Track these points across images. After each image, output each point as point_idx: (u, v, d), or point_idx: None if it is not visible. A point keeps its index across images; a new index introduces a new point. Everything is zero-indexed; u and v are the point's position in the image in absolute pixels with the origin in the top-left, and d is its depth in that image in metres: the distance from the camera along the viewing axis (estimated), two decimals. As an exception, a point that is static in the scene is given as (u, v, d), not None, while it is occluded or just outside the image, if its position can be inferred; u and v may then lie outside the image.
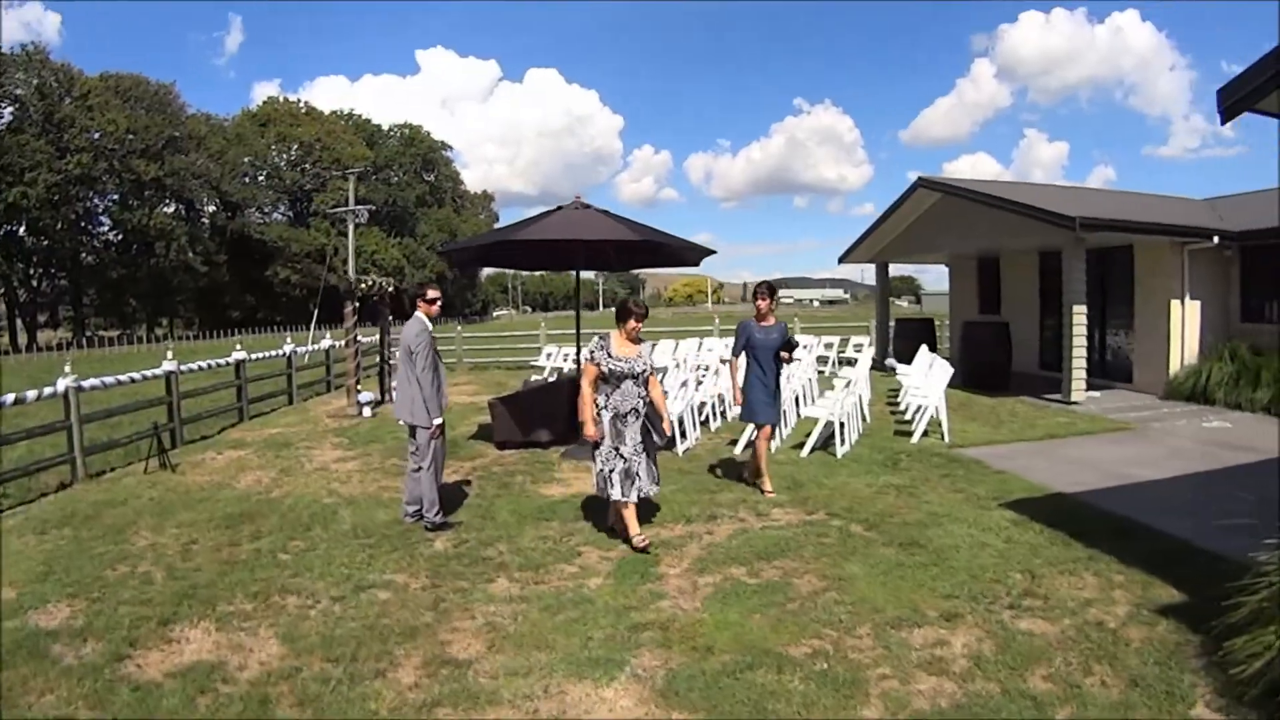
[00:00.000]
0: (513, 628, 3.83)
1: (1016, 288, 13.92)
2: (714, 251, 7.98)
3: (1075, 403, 9.92)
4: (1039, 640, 3.56)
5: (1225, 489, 6.05)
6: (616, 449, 4.96)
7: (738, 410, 6.46)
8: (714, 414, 9.04)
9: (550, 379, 13.00)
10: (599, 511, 5.52)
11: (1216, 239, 9.67)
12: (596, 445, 5.01)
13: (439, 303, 5.57)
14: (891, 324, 16.41)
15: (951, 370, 8.34)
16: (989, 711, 3.01)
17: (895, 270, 16.79)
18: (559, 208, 7.65)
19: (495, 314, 73.75)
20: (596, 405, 4.99)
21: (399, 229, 60.04)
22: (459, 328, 21.00)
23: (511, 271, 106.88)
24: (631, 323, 4.97)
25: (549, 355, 14.96)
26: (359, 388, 10.99)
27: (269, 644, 3.69)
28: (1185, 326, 10.08)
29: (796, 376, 9.11)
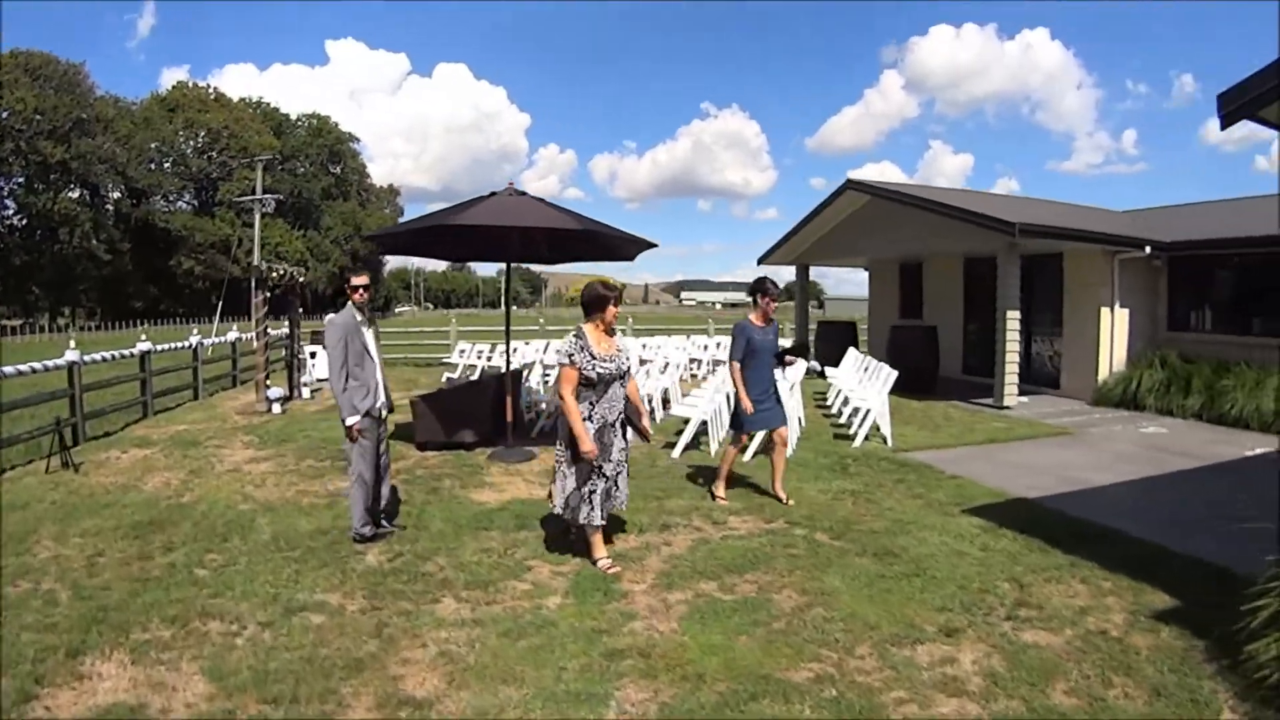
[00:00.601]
0: (472, 658, 3.32)
1: (940, 292, 14.26)
2: (654, 244, 7.61)
3: (1007, 407, 10.12)
4: (1047, 653, 3.35)
5: (1175, 493, 6.17)
6: (599, 467, 4.30)
7: (676, 412, 5.99)
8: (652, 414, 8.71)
9: (469, 377, 12.61)
10: (540, 519, 5.15)
11: (1148, 249, 10.11)
12: (576, 461, 4.29)
13: (365, 290, 4.91)
14: (812, 327, 16.61)
15: (895, 374, 8.26)
16: (1020, 733, 2.73)
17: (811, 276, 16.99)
18: (493, 194, 7.12)
19: (397, 310, 73.09)
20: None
21: (303, 221, 59.19)
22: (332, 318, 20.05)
23: (414, 267, 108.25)
24: (611, 310, 4.37)
25: (462, 352, 14.58)
26: (268, 383, 10.33)
27: (194, 681, 3.17)
28: (1114, 334, 10.48)
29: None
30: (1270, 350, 9.10)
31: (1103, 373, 10.51)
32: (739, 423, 5.81)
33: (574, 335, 4.36)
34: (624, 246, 7.72)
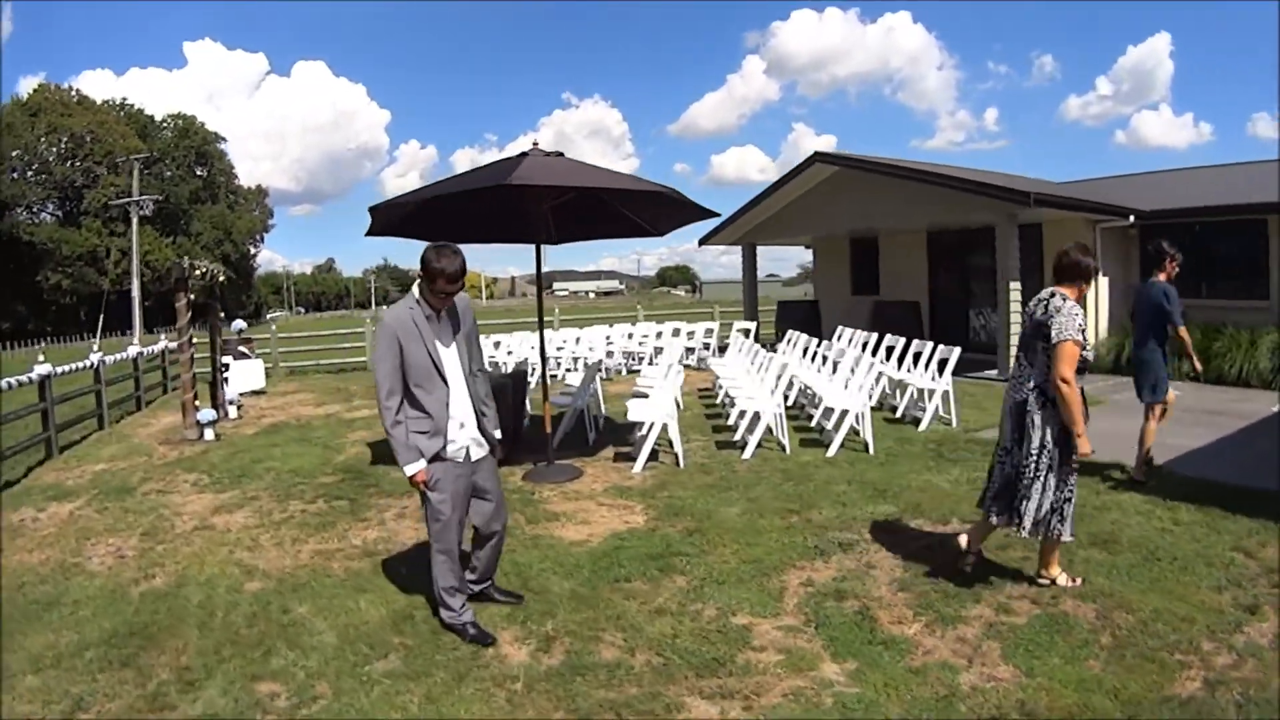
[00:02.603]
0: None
1: (899, 267, 14.60)
2: (717, 214, 6.96)
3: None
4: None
5: (1267, 447, 6.56)
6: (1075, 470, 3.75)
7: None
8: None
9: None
10: (670, 554, 4.50)
11: (1131, 218, 10.70)
12: (1063, 464, 3.60)
13: (451, 282, 3.38)
14: (771, 307, 16.68)
15: (958, 351, 8.15)
16: None
17: (670, 260, 17.26)
18: (524, 154, 6.10)
19: (269, 316, 70.58)
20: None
21: (172, 227, 56.91)
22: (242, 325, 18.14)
23: (284, 270, 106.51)
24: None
25: None
26: (196, 403, 8.74)
27: None
28: (1099, 302, 11.06)
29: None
30: (1241, 312, 9.96)
31: (1090, 341, 11.04)
32: (1164, 387, 5.61)
33: (1070, 302, 3.61)
34: (673, 216, 7.01)
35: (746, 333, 14.64)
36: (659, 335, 14.39)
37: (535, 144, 6.15)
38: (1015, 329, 10.51)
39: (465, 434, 3.50)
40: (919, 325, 12.48)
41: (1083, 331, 3.56)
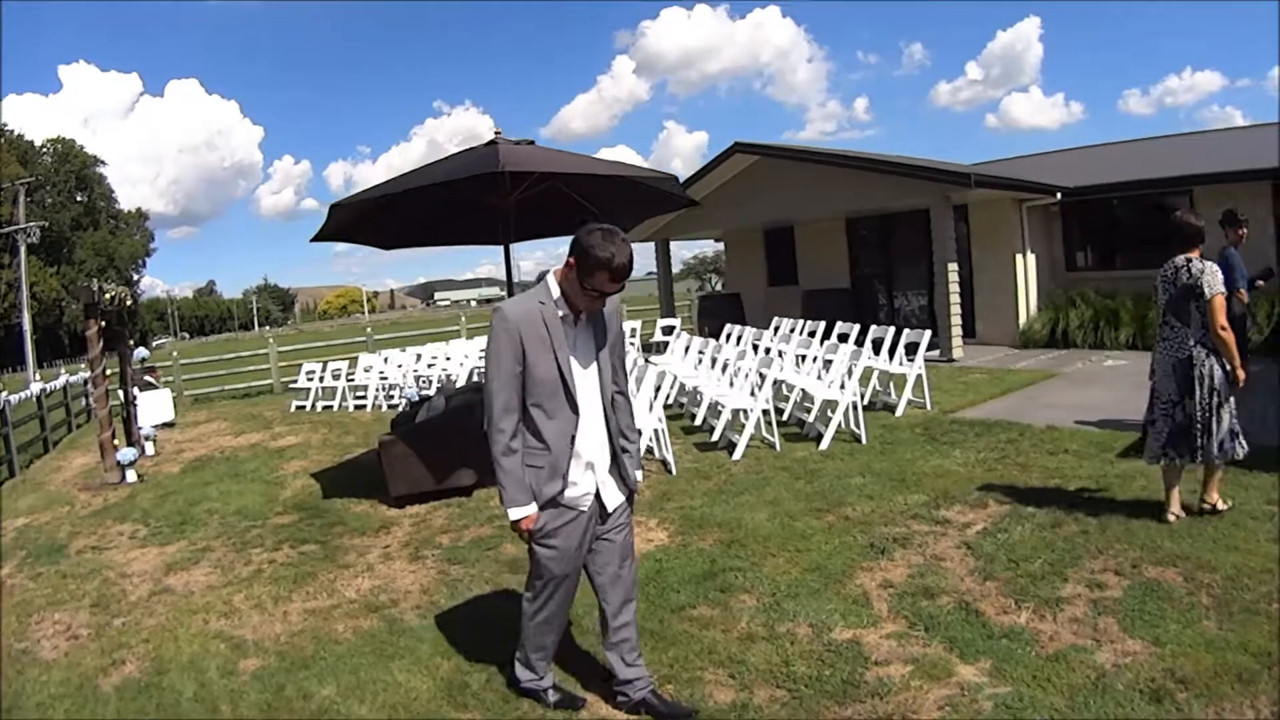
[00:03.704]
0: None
1: (818, 255, 15.13)
2: (696, 203, 6.94)
3: (955, 359, 10.99)
4: None
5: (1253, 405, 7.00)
6: None
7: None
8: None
9: (399, 393, 11.10)
10: (725, 571, 4.38)
11: (1058, 195, 11.56)
12: (1230, 395, 4.37)
13: (616, 278, 2.72)
14: (689, 301, 16.91)
15: (928, 334, 8.50)
16: None
17: (546, 263, 17.55)
18: (492, 142, 5.87)
19: (155, 343, 67.90)
20: None
21: (55, 256, 55.51)
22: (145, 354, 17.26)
23: (166, 295, 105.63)
24: None
25: (309, 374, 13.11)
26: (115, 443, 8.21)
27: None
28: (1028, 279, 11.87)
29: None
30: (1152, 281, 10.88)
31: (1022, 317, 11.87)
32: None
33: (1208, 263, 4.28)
34: (641, 208, 6.94)
35: (670, 329, 14.83)
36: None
37: (498, 132, 5.94)
38: (955, 308, 11.14)
39: (593, 477, 2.90)
40: (851, 311, 12.97)
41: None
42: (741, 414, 7.22)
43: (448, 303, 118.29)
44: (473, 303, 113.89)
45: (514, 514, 2.80)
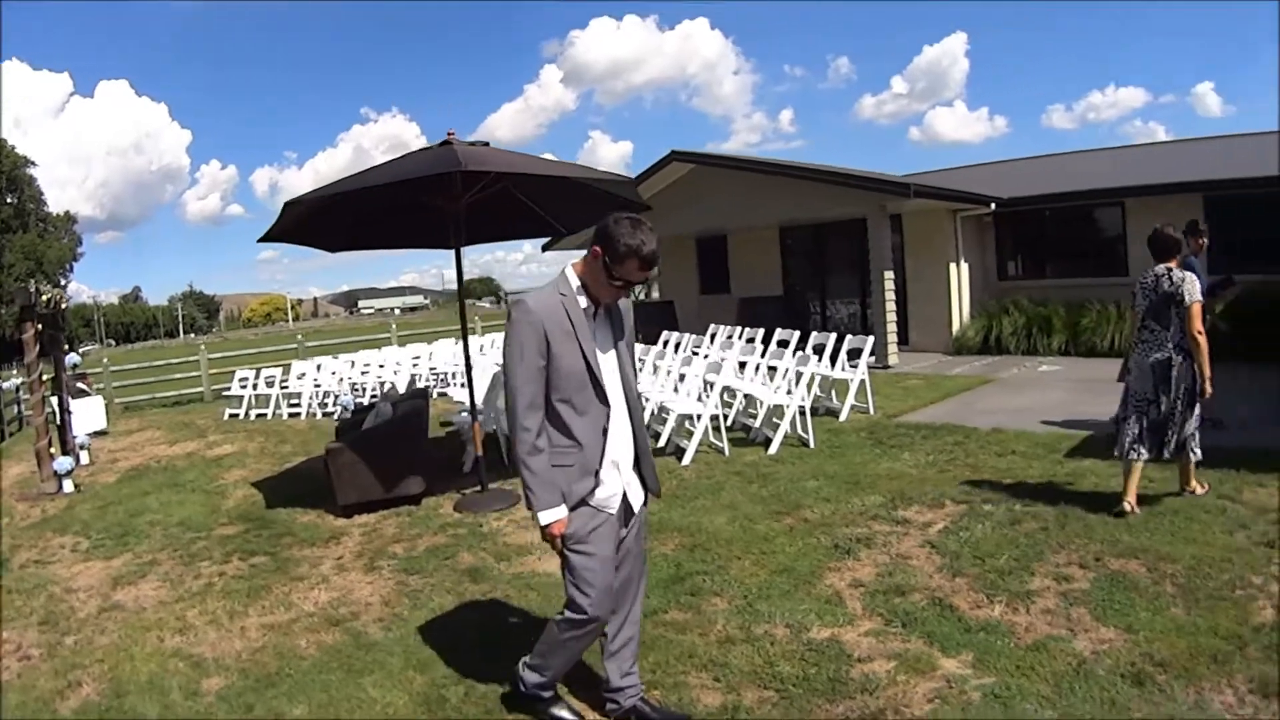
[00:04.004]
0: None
1: (751, 263, 15.37)
2: (649, 207, 6.92)
3: (891, 366, 11.29)
4: None
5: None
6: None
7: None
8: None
9: (348, 402, 10.74)
10: (692, 575, 4.38)
11: (993, 205, 12.02)
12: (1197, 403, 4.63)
13: (646, 266, 2.63)
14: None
15: (872, 339, 8.66)
16: None
17: (470, 271, 17.90)
18: (445, 142, 5.75)
19: (82, 350, 65.68)
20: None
21: None
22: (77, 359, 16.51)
23: (92, 301, 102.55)
24: None
25: (243, 382, 12.94)
26: (52, 451, 7.93)
27: None
28: (961, 288, 12.29)
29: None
30: (1104, 289, 11.37)
31: (956, 324, 12.28)
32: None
33: (1187, 273, 4.60)
34: (589, 212, 6.84)
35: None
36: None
37: (451, 133, 5.79)
38: (892, 315, 11.45)
39: (619, 476, 2.77)
40: (786, 319, 13.20)
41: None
42: (689, 420, 7.20)
43: (371, 310, 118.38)
44: (397, 310, 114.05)
45: (544, 517, 2.62)
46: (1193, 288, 4.54)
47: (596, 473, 2.70)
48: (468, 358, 6.73)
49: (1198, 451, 4.69)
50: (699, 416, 7.07)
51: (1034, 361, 11.09)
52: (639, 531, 2.93)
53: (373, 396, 12.53)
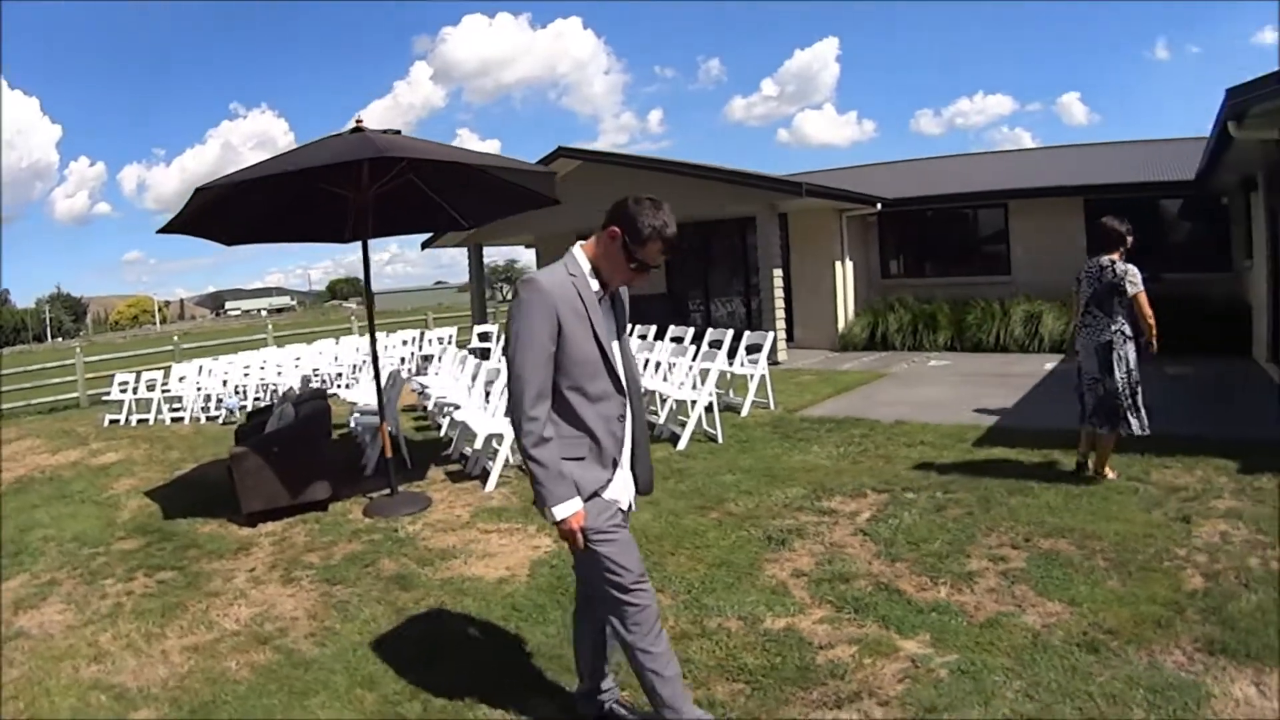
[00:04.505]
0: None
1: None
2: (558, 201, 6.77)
3: (781, 362, 11.59)
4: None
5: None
6: None
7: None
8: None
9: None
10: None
11: (879, 205, 12.55)
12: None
13: (670, 248, 2.55)
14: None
15: (772, 335, 8.82)
16: None
17: (335, 272, 18.13)
18: (358, 128, 5.44)
19: None
20: None
21: None
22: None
23: None
24: None
25: (123, 386, 12.55)
26: None
27: None
28: (846, 285, 12.77)
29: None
30: (988, 287, 12.18)
31: (841, 321, 12.75)
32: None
33: (1129, 264, 5.06)
34: (497, 206, 6.69)
35: (484, 336, 14.62)
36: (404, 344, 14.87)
37: (359, 120, 5.51)
38: (781, 313, 11.76)
39: (623, 476, 2.63)
40: (672, 316, 13.35)
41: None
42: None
43: (239, 312, 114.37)
44: (264, 312, 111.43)
45: (559, 512, 2.42)
46: (1136, 279, 5.05)
47: (613, 463, 2.56)
48: (375, 356, 6.40)
49: (1145, 424, 5.11)
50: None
51: (922, 356, 11.68)
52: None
53: (256, 399, 12.15)
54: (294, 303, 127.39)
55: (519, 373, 2.43)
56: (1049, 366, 10.22)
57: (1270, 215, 7.99)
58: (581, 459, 2.50)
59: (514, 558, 4.67)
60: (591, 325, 2.48)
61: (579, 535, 2.46)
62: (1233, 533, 4.15)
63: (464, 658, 3.24)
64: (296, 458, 5.79)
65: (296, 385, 10.76)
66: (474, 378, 7.93)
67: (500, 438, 6.31)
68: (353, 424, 8.05)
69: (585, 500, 2.49)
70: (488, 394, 7.28)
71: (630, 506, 2.69)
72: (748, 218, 12.72)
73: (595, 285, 2.54)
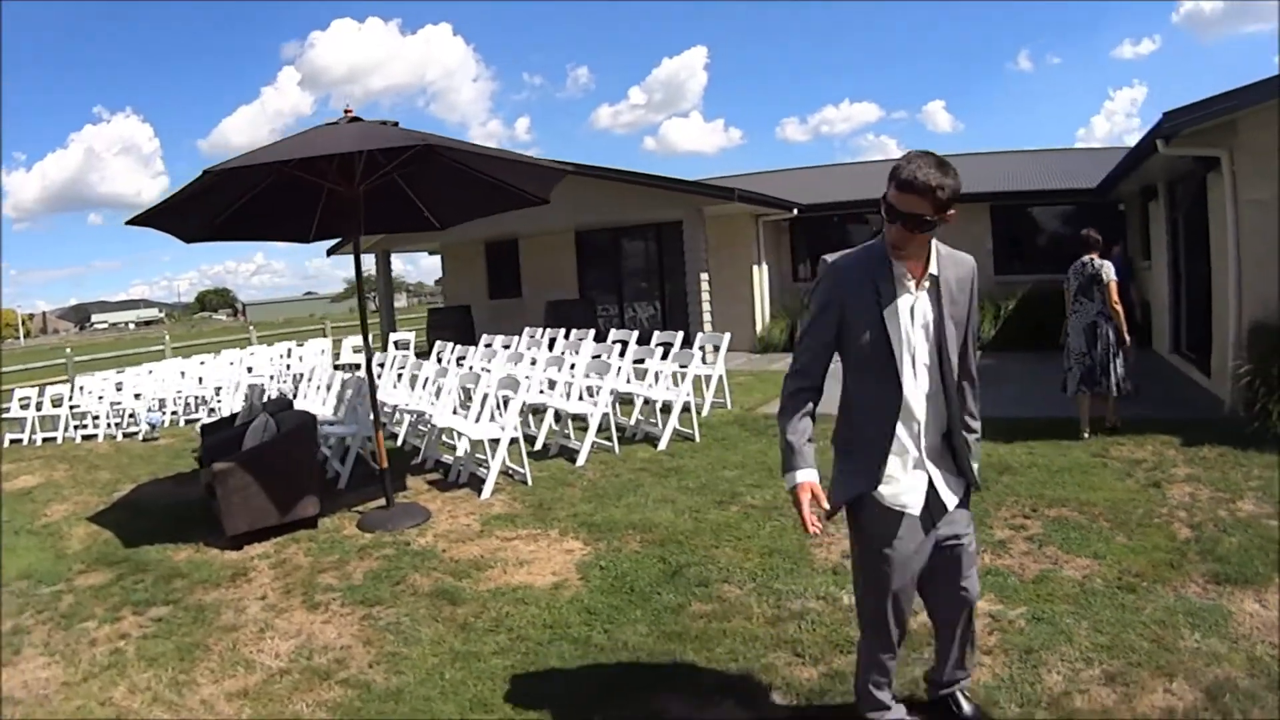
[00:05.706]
0: None
1: (544, 267, 15.90)
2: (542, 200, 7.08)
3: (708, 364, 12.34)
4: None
5: (1020, 390, 8.92)
6: None
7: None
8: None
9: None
10: (688, 567, 4.87)
11: (795, 210, 13.53)
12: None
13: (946, 206, 2.47)
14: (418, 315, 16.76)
15: (728, 335, 9.49)
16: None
17: (200, 283, 18.33)
18: (353, 115, 5.64)
19: None
20: None
21: None
22: None
23: None
24: None
25: (24, 402, 12.31)
26: None
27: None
28: (762, 289, 13.71)
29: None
30: None
31: (759, 324, 13.69)
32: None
33: (1105, 260, 6.72)
34: (473, 205, 6.95)
35: (398, 344, 14.54)
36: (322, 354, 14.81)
37: (347, 109, 5.69)
38: (707, 314, 12.54)
39: (919, 476, 2.61)
40: (593, 320, 13.88)
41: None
42: (568, 420, 7.52)
43: (105, 325, 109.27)
44: (131, 325, 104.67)
45: (787, 480, 2.58)
46: (1110, 271, 6.74)
47: (878, 468, 2.59)
48: (369, 362, 6.45)
49: (1128, 388, 6.72)
50: (590, 417, 7.42)
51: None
52: (965, 523, 2.75)
53: (173, 414, 11.89)
54: (162, 315, 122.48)
55: (798, 346, 2.75)
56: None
57: (1171, 223, 9.53)
58: (863, 462, 2.69)
59: (553, 563, 4.88)
60: (881, 308, 2.55)
61: (804, 508, 2.61)
62: (1198, 493, 5.18)
63: (556, 666, 3.53)
64: (285, 473, 5.76)
65: (258, 394, 10.38)
66: (439, 386, 8.08)
67: (495, 444, 6.52)
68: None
69: (850, 502, 2.73)
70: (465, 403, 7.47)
71: (959, 501, 2.75)
72: (661, 223, 13.42)
73: (900, 268, 2.55)
